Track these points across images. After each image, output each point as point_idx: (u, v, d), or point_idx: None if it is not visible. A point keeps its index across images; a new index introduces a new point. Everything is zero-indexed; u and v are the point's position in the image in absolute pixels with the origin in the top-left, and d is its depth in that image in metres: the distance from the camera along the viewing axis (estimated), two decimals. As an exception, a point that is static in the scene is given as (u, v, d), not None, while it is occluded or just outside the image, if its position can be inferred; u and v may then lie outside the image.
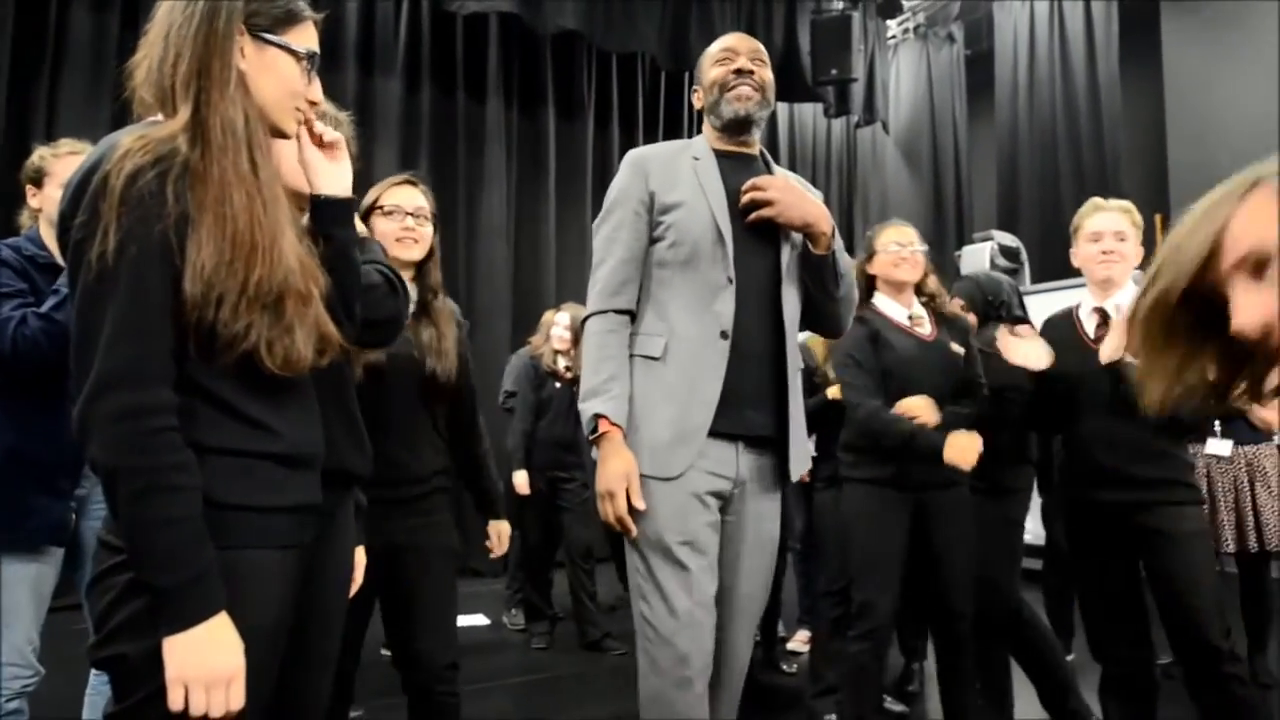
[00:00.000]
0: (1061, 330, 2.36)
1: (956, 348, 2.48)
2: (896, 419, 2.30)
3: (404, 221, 1.99)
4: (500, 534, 2.28)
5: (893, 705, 3.03)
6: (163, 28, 1.14)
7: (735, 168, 1.85)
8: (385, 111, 6.00)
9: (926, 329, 2.51)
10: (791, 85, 7.15)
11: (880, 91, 7.72)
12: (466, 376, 2.11)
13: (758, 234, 1.79)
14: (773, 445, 1.80)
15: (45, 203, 2.12)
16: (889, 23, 7.85)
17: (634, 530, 1.69)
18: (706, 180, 1.82)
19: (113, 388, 1.00)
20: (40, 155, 2.18)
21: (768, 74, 1.90)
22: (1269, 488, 3.36)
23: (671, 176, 1.83)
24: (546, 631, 4.11)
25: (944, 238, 7.84)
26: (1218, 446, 3.46)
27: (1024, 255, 6.23)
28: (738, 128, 1.87)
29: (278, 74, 1.18)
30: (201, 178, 1.06)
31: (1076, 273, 2.59)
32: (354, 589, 1.68)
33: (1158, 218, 6.74)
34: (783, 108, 8.03)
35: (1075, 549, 2.32)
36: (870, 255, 2.56)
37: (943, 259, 7.31)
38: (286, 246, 1.10)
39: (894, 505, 2.39)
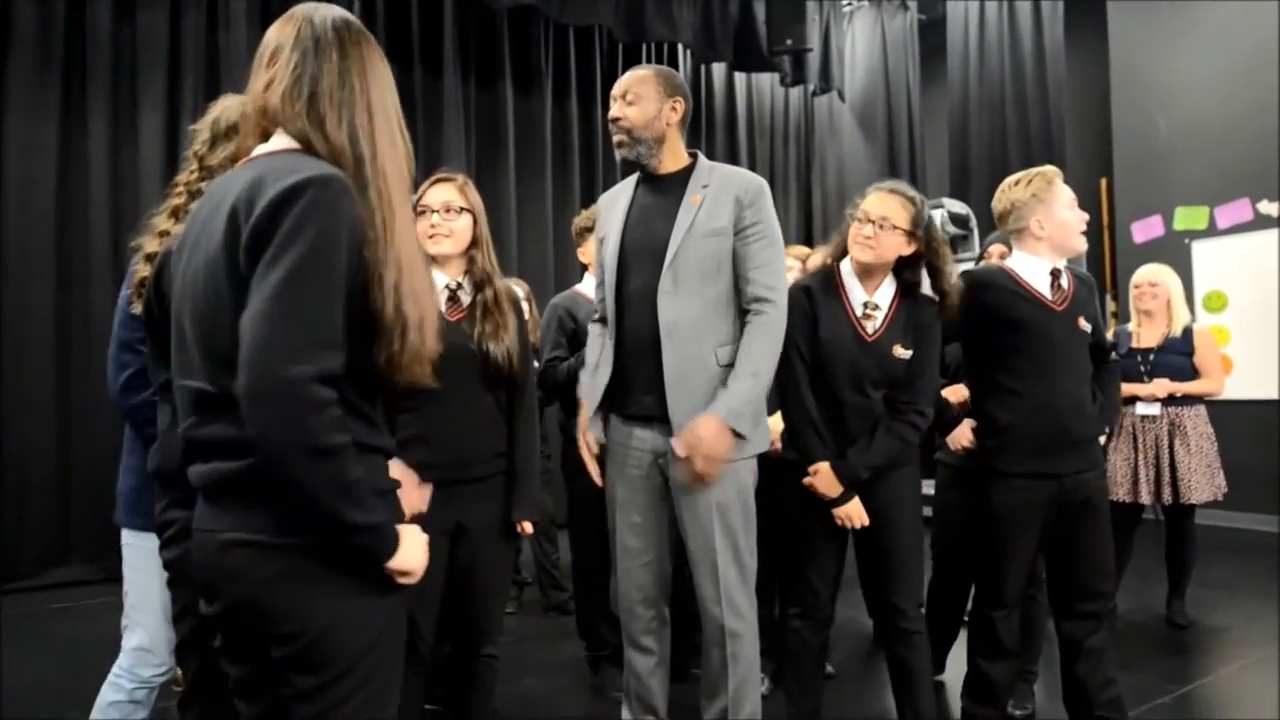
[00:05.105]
0: (1006, 285, 2.34)
1: (901, 351, 2.24)
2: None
3: (430, 219, 2.13)
4: (521, 528, 2.20)
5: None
6: (310, 72, 1.22)
7: (651, 190, 2.21)
8: (342, 88, 5.97)
9: (874, 325, 2.25)
10: (748, 55, 7.22)
11: (836, 60, 7.80)
12: (526, 364, 2.22)
13: (646, 251, 2.11)
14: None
15: None
16: (844, -10, 7.89)
17: (597, 479, 2.24)
18: (618, 211, 2.22)
19: (311, 380, 1.08)
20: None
21: (633, 110, 2.14)
22: (1187, 446, 3.59)
23: (606, 215, 2.26)
24: (515, 597, 4.27)
25: (899, 204, 7.98)
26: (1146, 408, 3.68)
27: (973, 222, 6.39)
28: (632, 167, 2.22)
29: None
30: (379, 216, 1.19)
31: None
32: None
33: (1102, 181, 6.97)
34: (740, 77, 8.09)
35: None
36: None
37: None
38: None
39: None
